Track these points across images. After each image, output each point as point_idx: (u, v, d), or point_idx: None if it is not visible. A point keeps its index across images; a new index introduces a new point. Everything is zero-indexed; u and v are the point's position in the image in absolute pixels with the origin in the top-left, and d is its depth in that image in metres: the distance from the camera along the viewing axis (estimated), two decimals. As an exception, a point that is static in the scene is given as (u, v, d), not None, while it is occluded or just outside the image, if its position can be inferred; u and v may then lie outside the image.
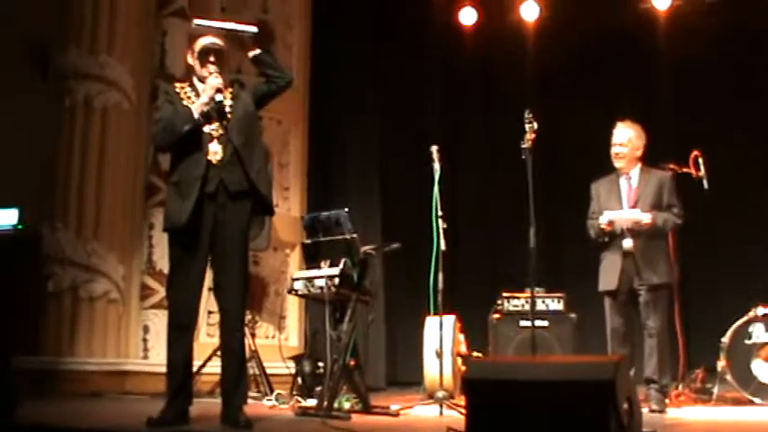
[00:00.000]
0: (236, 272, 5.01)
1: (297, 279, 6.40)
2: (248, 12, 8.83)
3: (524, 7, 9.53)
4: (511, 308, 7.90)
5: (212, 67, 5.06)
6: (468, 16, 9.77)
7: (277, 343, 7.97)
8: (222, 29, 5.24)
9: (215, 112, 5.03)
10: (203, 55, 5.12)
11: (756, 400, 6.52)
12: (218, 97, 5.01)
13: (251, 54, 5.17)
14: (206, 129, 5.01)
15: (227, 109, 5.05)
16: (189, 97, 5.07)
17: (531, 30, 9.59)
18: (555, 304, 7.84)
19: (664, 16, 9.15)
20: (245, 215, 5.07)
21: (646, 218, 6.32)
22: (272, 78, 5.20)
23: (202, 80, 5.10)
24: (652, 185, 6.50)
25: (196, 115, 4.97)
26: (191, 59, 5.22)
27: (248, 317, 7.17)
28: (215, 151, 4.99)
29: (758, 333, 6.74)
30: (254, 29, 5.20)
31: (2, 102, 8.66)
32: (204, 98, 5.01)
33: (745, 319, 6.79)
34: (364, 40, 9.95)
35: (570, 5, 9.38)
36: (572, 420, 3.53)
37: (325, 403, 5.64)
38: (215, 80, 5.01)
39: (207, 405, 5.65)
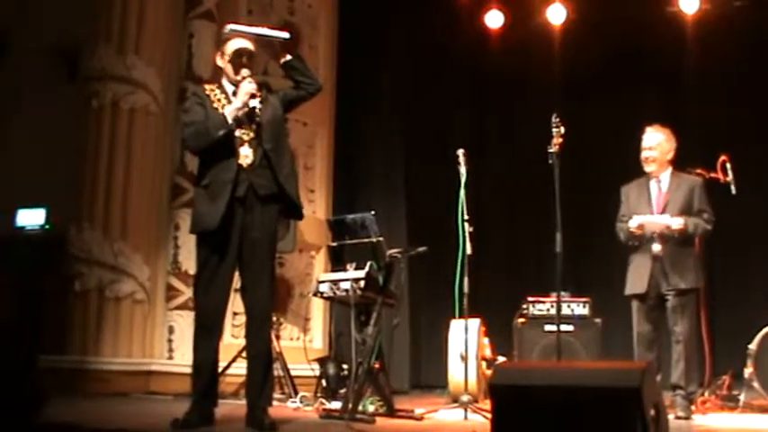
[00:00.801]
0: (263, 275, 5.00)
1: (322, 281, 6.40)
2: (274, 14, 8.85)
3: (551, 10, 9.49)
4: (536, 312, 7.87)
5: (245, 71, 5.05)
6: (494, 19, 9.74)
7: (302, 345, 7.96)
8: (256, 34, 5.24)
9: (246, 116, 5.02)
10: (236, 57, 5.11)
11: (784, 407, 6.47)
12: (253, 102, 4.98)
13: (282, 60, 5.17)
14: (237, 133, 5.00)
15: (257, 113, 5.04)
16: (219, 100, 5.07)
17: (558, 33, 9.56)
18: (580, 309, 7.80)
19: (691, 19, 9.10)
20: (274, 218, 5.07)
21: (677, 223, 6.29)
22: (301, 85, 5.20)
23: (234, 83, 5.10)
24: (683, 190, 6.46)
25: (230, 120, 4.96)
26: (220, 62, 5.22)
27: (273, 318, 7.18)
28: (246, 155, 4.99)
29: (786, 340, 6.69)
30: (286, 35, 5.20)
31: (30, 102, 8.74)
32: (238, 103, 4.99)
33: (773, 325, 6.74)
34: (389, 42, 9.95)
35: (597, 8, 9.35)
36: (598, 427, 3.51)
37: (350, 406, 5.63)
38: (249, 85, 4.99)
39: (232, 407, 5.67)
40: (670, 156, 6.60)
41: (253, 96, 4.98)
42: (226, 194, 4.91)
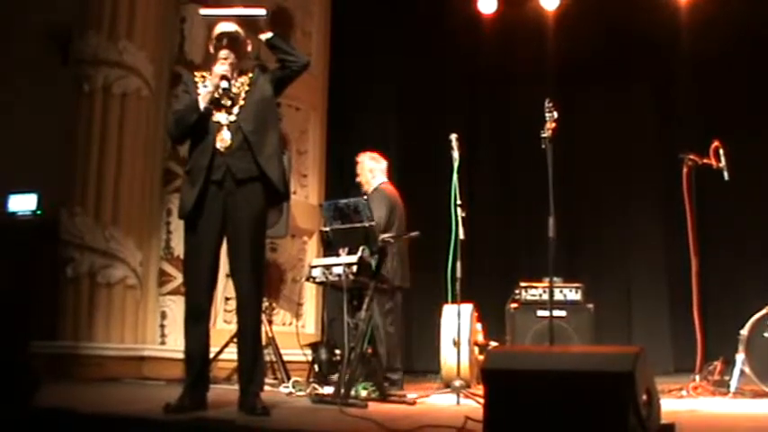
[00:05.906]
0: (249, 257, 4.97)
1: (315, 266, 6.39)
2: (267, -1, 8.81)
3: (544, -4, 9.49)
4: (528, 297, 7.87)
5: (223, 53, 5.04)
6: (487, 5, 9.72)
7: (294, 330, 7.96)
8: (229, 16, 5.21)
9: (224, 99, 5.01)
10: (217, 41, 5.11)
11: (775, 392, 6.47)
12: (224, 84, 4.97)
13: (262, 38, 5.14)
14: (216, 117, 5.00)
15: (242, 95, 5.03)
16: (206, 86, 5.06)
17: (551, 19, 9.54)
18: (573, 294, 7.80)
19: (685, 4, 9.09)
20: (257, 201, 5.02)
21: None
22: (286, 62, 5.16)
23: (219, 67, 5.10)
24: None
25: (203, 105, 4.96)
26: (211, 48, 5.21)
27: (266, 303, 7.19)
28: (223, 139, 4.97)
29: (777, 326, 6.69)
30: (262, 12, 5.17)
31: (21, 87, 8.71)
32: (209, 86, 4.99)
33: (764, 311, 6.72)
34: (383, 27, 9.93)
35: (591, -6, 9.34)
36: (590, 411, 3.51)
37: (342, 391, 5.63)
38: (220, 67, 5.00)
39: (224, 391, 5.67)
40: (369, 175, 7.44)
41: (224, 78, 4.97)
42: (200, 179, 4.94)
